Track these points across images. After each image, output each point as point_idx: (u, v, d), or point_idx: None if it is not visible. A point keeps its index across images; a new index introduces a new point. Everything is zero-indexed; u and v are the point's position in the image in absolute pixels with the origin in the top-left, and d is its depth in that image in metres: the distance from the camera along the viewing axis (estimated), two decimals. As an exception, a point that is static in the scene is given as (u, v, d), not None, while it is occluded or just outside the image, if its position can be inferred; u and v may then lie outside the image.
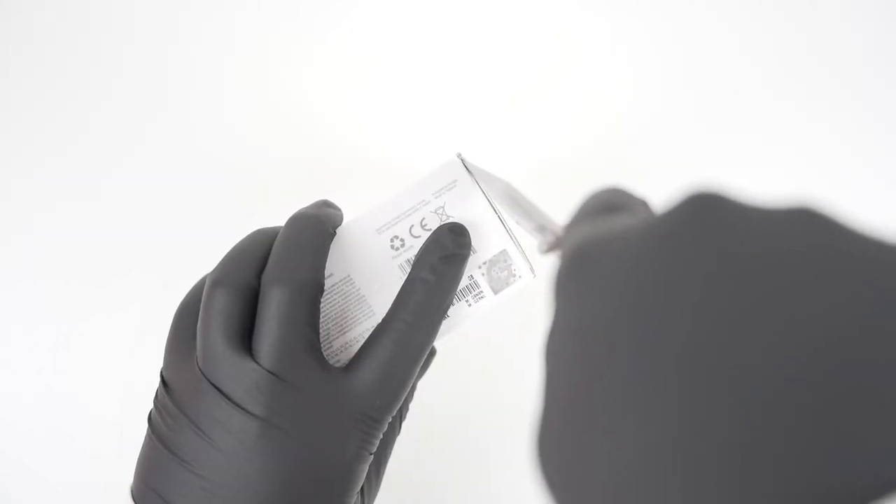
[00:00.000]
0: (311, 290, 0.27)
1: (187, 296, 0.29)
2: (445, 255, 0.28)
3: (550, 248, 0.24)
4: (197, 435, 0.26)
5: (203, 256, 0.42)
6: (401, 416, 0.31)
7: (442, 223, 0.29)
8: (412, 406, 0.32)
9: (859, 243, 0.14)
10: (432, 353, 0.33)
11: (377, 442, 0.28)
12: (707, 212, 0.15)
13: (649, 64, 0.44)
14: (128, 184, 0.43)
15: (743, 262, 0.14)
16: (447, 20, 0.44)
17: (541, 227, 0.26)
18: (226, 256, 0.28)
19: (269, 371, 0.25)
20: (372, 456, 0.28)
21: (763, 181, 0.43)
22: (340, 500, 0.27)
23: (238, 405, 0.25)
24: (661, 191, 0.41)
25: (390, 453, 0.31)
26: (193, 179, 0.43)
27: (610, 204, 0.20)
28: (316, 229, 0.28)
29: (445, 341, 0.30)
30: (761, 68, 0.44)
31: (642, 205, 0.21)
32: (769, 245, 0.14)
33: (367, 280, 0.30)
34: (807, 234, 0.14)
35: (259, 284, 0.27)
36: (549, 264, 0.29)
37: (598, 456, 0.14)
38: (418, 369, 0.28)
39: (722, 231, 0.15)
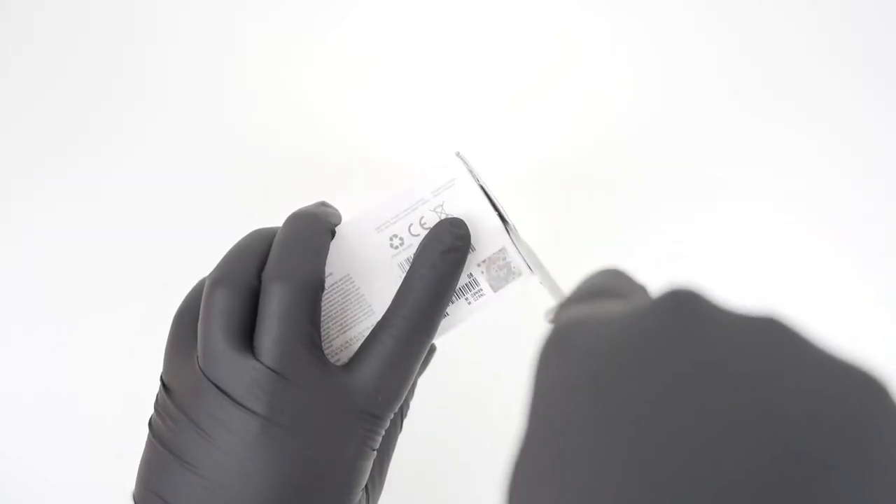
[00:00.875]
0: (312, 288, 0.27)
1: (186, 299, 0.29)
2: (444, 250, 0.28)
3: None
4: (198, 434, 0.25)
5: (203, 256, 0.42)
6: (402, 414, 0.31)
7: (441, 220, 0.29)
8: (412, 404, 0.32)
9: (815, 360, 0.16)
10: (432, 350, 0.33)
11: (379, 439, 0.28)
12: (681, 310, 0.17)
13: (649, 64, 0.44)
14: (128, 184, 0.43)
15: (709, 362, 0.16)
16: (447, 20, 0.44)
17: (550, 290, 0.26)
18: (225, 256, 0.28)
19: (270, 368, 0.25)
20: (375, 453, 0.28)
21: (763, 181, 0.43)
22: (344, 498, 0.27)
23: (239, 403, 0.25)
24: (660, 190, 0.41)
25: (393, 451, 0.31)
26: (193, 179, 0.44)
27: (606, 288, 0.21)
28: (315, 227, 0.28)
29: (445, 339, 0.30)
30: (761, 68, 0.44)
31: (640, 291, 0.22)
32: (733, 349, 0.16)
33: (366, 279, 0.30)
34: (769, 343, 0.16)
35: (259, 283, 0.27)
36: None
37: (549, 496, 0.15)
38: (419, 365, 0.28)
39: (692, 331, 0.16)
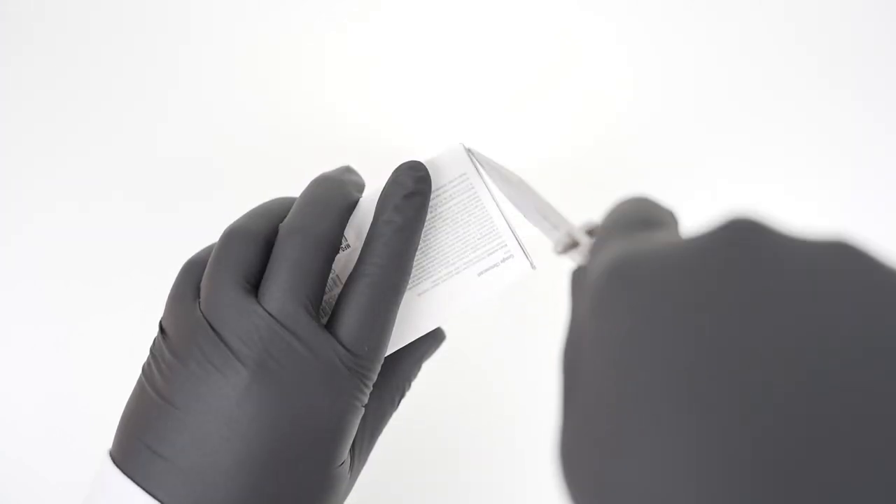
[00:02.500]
0: (327, 246, 0.27)
1: (197, 253, 0.29)
2: (407, 193, 0.28)
3: (566, 248, 0.24)
4: (190, 378, 0.25)
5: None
6: (401, 392, 0.31)
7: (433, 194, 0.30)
8: (416, 400, 0.32)
9: (893, 278, 0.15)
10: (440, 338, 0.33)
11: (368, 392, 0.28)
12: (748, 239, 0.16)
13: (649, 64, 0.44)
14: (128, 184, 0.43)
15: (782, 293, 0.15)
16: (447, 20, 0.44)
17: (553, 225, 0.26)
18: (244, 214, 0.28)
19: (272, 316, 0.25)
20: (363, 409, 0.28)
21: (763, 180, 0.43)
22: (331, 452, 0.26)
23: (233, 349, 0.25)
24: (660, 190, 0.41)
25: (385, 424, 0.31)
26: (194, 179, 0.43)
27: (644, 218, 0.20)
28: (341, 191, 0.29)
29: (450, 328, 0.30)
30: (761, 68, 0.44)
31: (672, 217, 0.21)
32: (807, 277, 0.15)
33: None
34: (844, 267, 0.15)
35: (275, 238, 0.27)
36: (554, 262, 0.29)
37: (628, 464, 0.14)
38: (397, 310, 0.28)
39: (762, 260, 0.16)
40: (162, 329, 0.27)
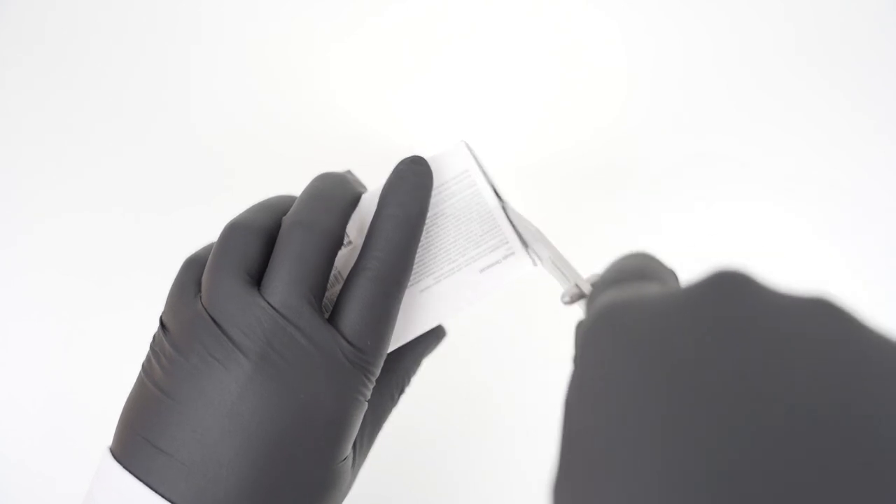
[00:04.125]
0: (330, 239, 0.27)
1: (198, 250, 0.29)
2: (408, 187, 0.28)
3: (573, 299, 0.24)
4: (191, 372, 0.25)
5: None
6: (400, 388, 0.31)
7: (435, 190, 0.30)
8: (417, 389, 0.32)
9: (872, 341, 0.15)
10: (441, 335, 0.33)
11: (371, 387, 0.27)
12: (732, 296, 0.17)
13: (649, 62, 0.44)
14: (128, 183, 0.43)
15: (764, 348, 0.15)
16: (447, 21, 0.44)
17: (565, 275, 0.26)
18: (246, 209, 0.28)
19: (273, 308, 0.25)
20: (367, 404, 0.27)
21: (763, 179, 0.43)
22: (334, 448, 0.26)
23: (235, 342, 0.25)
24: (661, 189, 0.41)
25: (384, 421, 0.31)
26: (196, 179, 0.43)
27: (641, 271, 0.21)
28: (344, 186, 0.29)
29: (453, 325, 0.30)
30: (762, 67, 0.44)
31: (671, 275, 0.22)
32: (789, 335, 0.16)
33: None
34: (824, 327, 0.16)
35: (278, 231, 0.27)
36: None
37: (614, 487, 0.15)
38: (399, 305, 0.28)
39: (746, 315, 0.16)
40: (162, 324, 0.27)
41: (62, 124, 0.44)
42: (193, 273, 0.28)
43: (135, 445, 0.25)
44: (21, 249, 0.43)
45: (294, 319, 0.25)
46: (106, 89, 0.44)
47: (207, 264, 0.27)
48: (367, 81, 0.44)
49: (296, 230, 0.26)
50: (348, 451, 0.27)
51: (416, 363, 0.32)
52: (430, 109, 0.44)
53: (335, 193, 0.28)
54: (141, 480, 0.25)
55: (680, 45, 0.44)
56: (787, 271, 0.43)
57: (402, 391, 0.31)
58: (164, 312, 0.28)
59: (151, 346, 0.27)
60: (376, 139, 0.44)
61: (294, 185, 0.43)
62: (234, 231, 0.27)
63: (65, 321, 0.42)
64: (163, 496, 0.24)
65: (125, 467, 0.25)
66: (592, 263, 0.25)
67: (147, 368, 0.27)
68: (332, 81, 0.44)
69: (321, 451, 0.26)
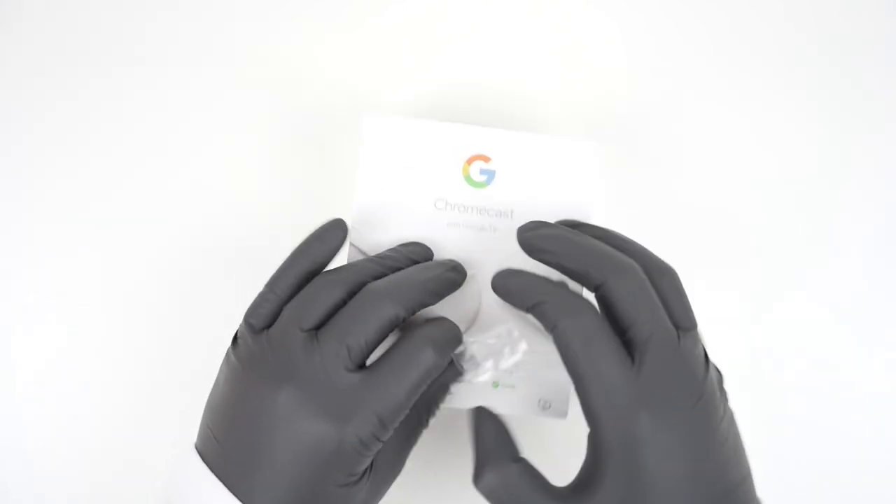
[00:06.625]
0: (389, 319, 0.29)
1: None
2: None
3: None
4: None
5: (206, 256, 0.42)
6: (429, 411, 0.32)
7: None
8: None
9: None
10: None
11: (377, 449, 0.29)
12: None
13: (649, 63, 0.44)
14: (130, 183, 0.43)
15: None
16: (447, 21, 0.44)
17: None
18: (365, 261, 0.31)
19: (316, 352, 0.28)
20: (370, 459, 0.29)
21: (762, 179, 0.43)
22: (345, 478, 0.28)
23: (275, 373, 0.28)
24: (660, 189, 0.41)
25: (415, 441, 0.32)
26: (196, 179, 0.43)
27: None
28: (433, 276, 0.30)
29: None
30: (762, 66, 0.44)
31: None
32: None
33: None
34: None
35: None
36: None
37: None
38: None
39: None
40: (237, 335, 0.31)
41: (64, 125, 0.44)
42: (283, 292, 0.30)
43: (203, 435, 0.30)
44: (20, 248, 0.43)
45: (324, 364, 0.28)
46: (107, 93, 0.44)
47: (288, 310, 0.29)
48: (366, 81, 0.44)
49: (371, 300, 0.29)
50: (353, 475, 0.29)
51: (444, 390, 0.32)
52: (430, 109, 0.44)
53: (419, 279, 0.30)
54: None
55: (680, 46, 0.44)
56: (791, 267, 0.43)
57: (431, 414, 0.32)
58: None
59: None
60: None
61: (289, 183, 0.43)
62: (320, 283, 0.29)
63: (64, 321, 0.42)
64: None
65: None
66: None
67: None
68: (332, 81, 0.44)
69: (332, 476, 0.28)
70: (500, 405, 0.32)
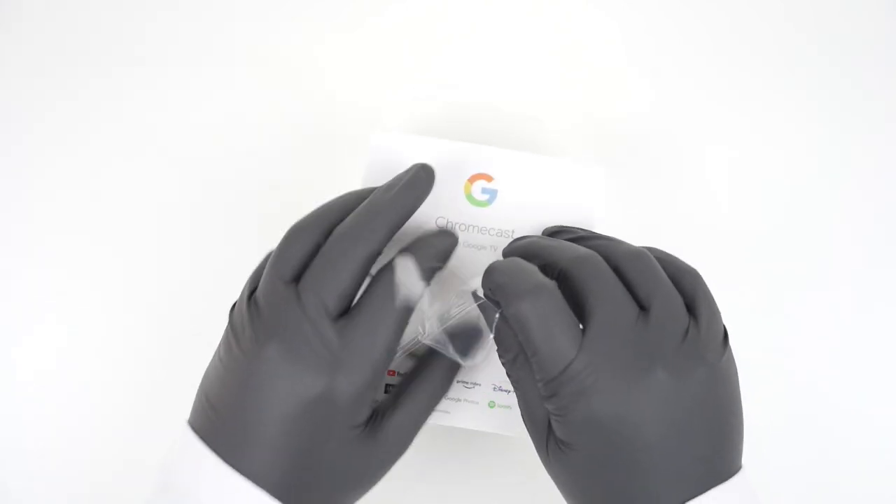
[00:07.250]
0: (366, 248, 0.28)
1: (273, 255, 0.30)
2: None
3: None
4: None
5: (206, 257, 0.42)
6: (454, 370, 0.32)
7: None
8: None
9: None
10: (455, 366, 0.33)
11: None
12: None
13: (649, 63, 0.44)
14: (129, 184, 0.43)
15: None
16: (447, 21, 0.44)
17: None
18: (313, 212, 0.30)
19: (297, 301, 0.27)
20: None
21: (762, 179, 0.43)
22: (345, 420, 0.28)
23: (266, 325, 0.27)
24: (661, 188, 0.41)
25: (452, 379, 0.32)
26: (197, 179, 0.43)
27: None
28: (395, 206, 0.29)
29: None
30: (762, 66, 0.44)
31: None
32: None
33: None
34: None
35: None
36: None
37: None
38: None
39: None
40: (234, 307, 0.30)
41: (64, 125, 0.44)
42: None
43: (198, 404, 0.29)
44: (20, 248, 0.43)
45: (307, 314, 0.27)
46: (109, 86, 0.44)
47: (266, 267, 0.29)
48: (366, 81, 0.44)
49: (338, 242, 0.28)
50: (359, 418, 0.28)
51: (455, 367, 0.33)
52: (430, 109, 0.44)
53: (385, 209, 0.29)
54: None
55: (680, 46, 0.44)
56: (791, 266, 0.43)
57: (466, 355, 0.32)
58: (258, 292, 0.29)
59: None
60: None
61: (287, 182, 0.43)
62: (292, 233, 0.29)
63: (64, 320, 0.42)
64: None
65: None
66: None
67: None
68: (332, 81, 0.44)
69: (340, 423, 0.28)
70: (496, 425, 0.32)
